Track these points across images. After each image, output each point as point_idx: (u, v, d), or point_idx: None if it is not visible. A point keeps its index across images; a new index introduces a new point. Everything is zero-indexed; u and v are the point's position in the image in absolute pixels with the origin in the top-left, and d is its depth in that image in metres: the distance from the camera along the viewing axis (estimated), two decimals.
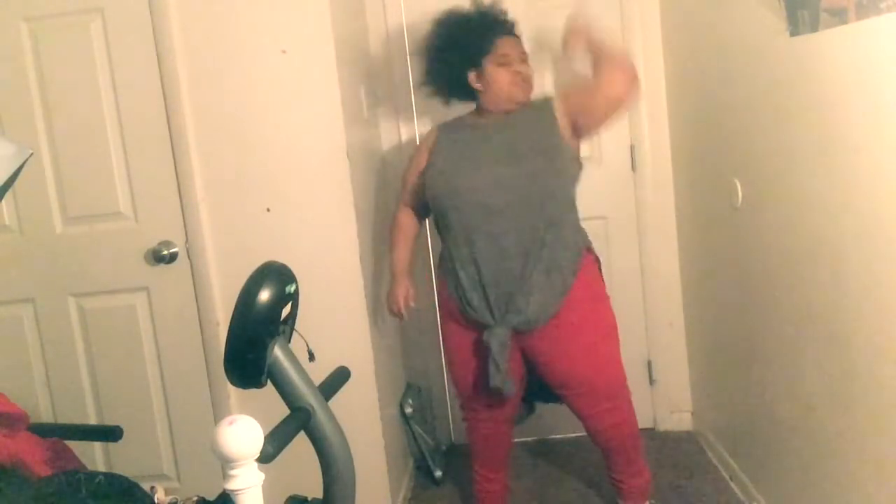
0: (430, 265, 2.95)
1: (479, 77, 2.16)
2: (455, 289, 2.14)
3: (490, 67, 2.14)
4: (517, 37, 2.21)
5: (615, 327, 2.19)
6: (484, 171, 2.08)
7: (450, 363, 2.34)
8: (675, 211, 2.89)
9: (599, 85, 2.05)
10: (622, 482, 2.31)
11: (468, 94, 2.23)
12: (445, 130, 2.26)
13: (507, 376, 2.07)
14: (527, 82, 2.16)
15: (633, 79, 2.06)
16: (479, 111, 2.24)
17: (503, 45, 2.14)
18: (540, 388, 2.26)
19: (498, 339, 2.06)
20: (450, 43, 2.19)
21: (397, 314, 2.32)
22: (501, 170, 2.06)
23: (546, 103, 2.17)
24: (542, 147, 2.08)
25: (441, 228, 2.21)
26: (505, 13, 2.24)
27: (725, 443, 2.67)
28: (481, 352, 2.13)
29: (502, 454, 2.37)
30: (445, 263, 2.20)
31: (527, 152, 2.07)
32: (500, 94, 2.15)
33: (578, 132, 2.15)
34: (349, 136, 2.26)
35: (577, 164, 2.18)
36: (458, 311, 2.17)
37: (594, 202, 2.78)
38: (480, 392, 2.20)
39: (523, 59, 2.17)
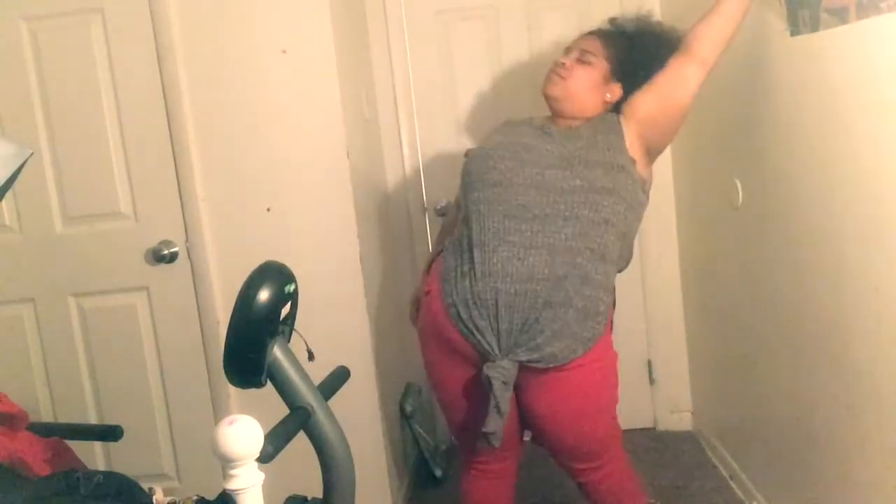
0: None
1: None
2: (456, 301, 1.75)
3: None
4: (601, 38, 1.92)
5: (617, 372, 1.86)
6: (529, 168, 1.75)
7: (442, 402, 1.96)
8: (675, 211, 2.89)
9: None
10: None
11: None
12: (510, 122, 2.01)
13: (505, 422, 1.74)
14: (562, 76, 1.87)
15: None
16: (552, 116, 1.95)
17: (579, 39, 1.94)
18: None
19: (502, 374, 1.69)
20: None
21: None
22: (551, 172, 1.74)
23: (612, 116, 1.86)
24: (605, 161, 1.76)
25: (462, 222, 1.86)
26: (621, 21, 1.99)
27: (725, 443, 2.67)
28: (477, 389, 1.78)
29: None
30: (449, 269, 1.81)
31: (585, 162, 1.75)
32: (543, 87, 1.93)
33: (651, 148, 1.87)
34: (349, 136, 2.26)
35: (644, 194, 1.85)
36: (448, 332, 1.78)
37: None
38: (479, 438, 1.81)
39: (581, 56, 1.88)
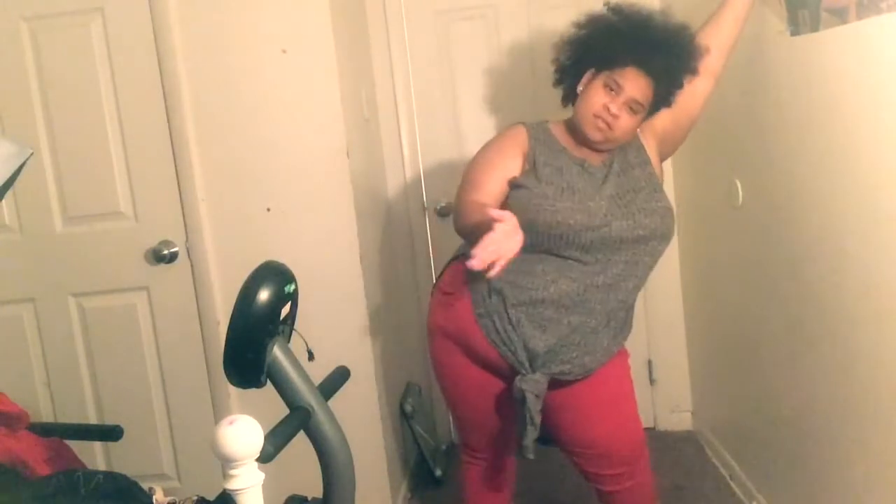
0: (432, 270, 2.95)
1: (587, 83, 1.80)
2: (490, 311, 1.78)
3: (596, 81, 1.76)
4: (651, 78, 1.73)
5: (632, 381, 1.94)
6: (595, 218, 1.74)
7: (450, 398, 1.99)
8: (675, 211, 2.89)
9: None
10: None
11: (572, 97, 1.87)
12: (538, 143, 1.83)
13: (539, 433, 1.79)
14: (610, 126, 1.73)
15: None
16: (571, 129, 1.85)
17: (627, 74, 1.71)
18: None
19: (535, 388, 1.74)
20: (593, 35, 1.82)
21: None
22: (618, 224, 1.75)
23: (635, 141, 1.85)
24: (658, 207, 1.80)
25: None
26: (662, 39, 1.76)
27: (725, 443, 2.67)
28: (495, 395, 1.88)
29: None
30: (477, 278, 1.74)
31: (642, 210, 1.78)
32: (578, 115, 1.80)
33: (662, 156, 1.91)
34: (349, 136, 2.26)
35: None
36: (475, 338, 1.81)
37: None
38: (489, 437, 1.97)
39: (631, 103, 1.72)
